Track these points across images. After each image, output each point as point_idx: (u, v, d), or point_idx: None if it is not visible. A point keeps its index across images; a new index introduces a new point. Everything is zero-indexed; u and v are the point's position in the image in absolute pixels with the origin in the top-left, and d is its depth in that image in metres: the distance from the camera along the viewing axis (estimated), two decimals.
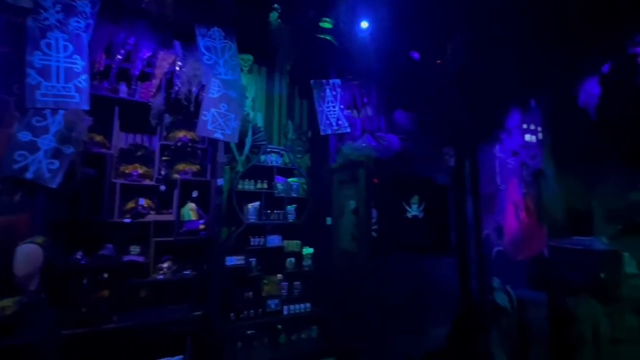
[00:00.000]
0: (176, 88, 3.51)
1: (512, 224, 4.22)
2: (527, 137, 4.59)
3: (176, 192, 3.48)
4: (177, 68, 3.55)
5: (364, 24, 3.82)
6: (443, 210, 4.08)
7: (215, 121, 3.51)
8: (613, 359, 3.40)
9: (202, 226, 3.52)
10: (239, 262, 3.80)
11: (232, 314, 3.66)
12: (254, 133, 4.23)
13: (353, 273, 3.55)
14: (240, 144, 4.17)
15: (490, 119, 4.24)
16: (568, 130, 4.59)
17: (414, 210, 4.28)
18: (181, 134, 3.61)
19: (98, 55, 3.15)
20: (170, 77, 3.54)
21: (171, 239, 3.39)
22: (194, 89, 3.56)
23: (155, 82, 3.43)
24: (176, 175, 3.50)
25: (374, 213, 4.11)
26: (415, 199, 4.28)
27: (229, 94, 3.62)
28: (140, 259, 3.24)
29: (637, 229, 4.19)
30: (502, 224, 4.13)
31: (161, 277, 3.30)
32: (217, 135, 3.51)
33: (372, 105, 4.73)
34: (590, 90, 4.02)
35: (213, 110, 3.49)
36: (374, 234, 3.99)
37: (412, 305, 3.58)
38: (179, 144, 3.57)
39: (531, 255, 4.26)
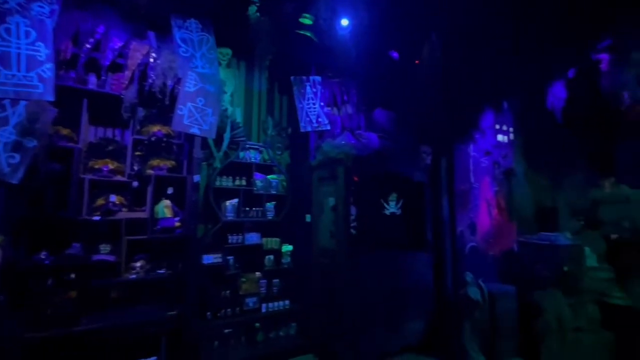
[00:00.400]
0: (150, 80, 3.38)
1: (485, 220, 4.39)
2: (500, 137, 4.78)
3: (150, 189, 3.36)
4: (152, 60, 3.42)
5: (344, 22, 3.82)
6: (420, 207, 4.17)
7: (192, 116, 3.40)
8: (575, 346, 3.61)
9: (177, 224, 3.42)
10: (216, 260, 3.72)
11: (208, 313, 3.59)
12: (232, 129, 4.15)
13: (332, 270, 3.57)
14: (218, 140, 4.09)
15: (465, 119, 4.38)
16: (537, 131, 4.82)
17: (392, 207, 4.35)
18: (155, 128, 3.49)
19: (64, 44, 2.98)
20: (143, 69, 3.40)
21: (145, 237, 3.27)
22: (169, 82, 3.44)
23: (128, 73, 3.29)
24: (150, 171, 3.38)
25: (353, 210, 4.15)
26: (393, 196, 4.35)
27: (206, 88, 3.52)
28: (111, 258, 3.11)
29: (597, 225, 4.46)
30: (476, 220, 4.28)
31: (134, 276, 3.18)
32: (194, 131, 3.40)
33: (352, 103, 4.76)
34: (557, 94, 4.24)
35: (189, 104, 3.39)
36: (353, 231, 4.03)
37: (389, 301, 3.65)
38: (153, 138, 3.45)
39: (502, 250, 4.46)
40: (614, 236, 4.34)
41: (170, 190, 3.48)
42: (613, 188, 4.49)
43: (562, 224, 4.75)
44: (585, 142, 4.81)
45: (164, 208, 3.39)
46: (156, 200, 3.38)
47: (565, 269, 3.88)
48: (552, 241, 4.02)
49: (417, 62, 4.31)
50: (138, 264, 3.24)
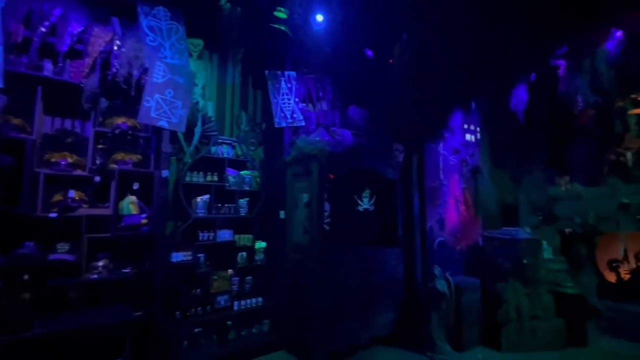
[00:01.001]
0: (114, 69, 3.19)
1: (453, 216, 4.57)
2: (468, 136, 4.99)
3: (114, 184, 3.18)
4: (115, 47, 3.23)
5: (319, 17, 3.81)
6: (392, 203, 4.27)
7: (160, 108, 3.26)
8: (531, 333, 3.87)
9: (144, 221, 3.27)
10: (186, 258, 3.60)
11: (177, 313, 3.48)
12: (204, 123, 4.02)
13: (305, 266, 3.57)
14: (189, 134, 3.94)
15: (436, 119, 4.52)
16: (501, 132, 5.09)
17: (365, 203, 4.43)
18: (120, 120, 3.30)
19: (14, 26, 2.73)
20: (106, 57, 3.20)
21: (108, 235, 3.10)
22: (135, 72, 3.27)
23: (88, 61, 3.08)
24: (114, 166, 3.20)
25: (327, 206, 4.18)
26: (366, 192, 4.43)
27: (175, 80, 3.39)
28: (70, 257, 2.92)
29: (553, 220, 4.79)
30: (444, 216, 4.45)
31: (95, 276, 3.01)
32: (162, 124, 3.27)
33: (327, 100, 4.77)
34: (520, 97, 4.48)
35: (157, 96, 3.24)
36: (326, 227, 4.06)
37: (361, 295, 3.72)
38: (117, 131, 3.27)
39: (468, 244, 4.67)
40: (567, 230, 4.70)
41: (136, 186, 3.32)
42: (567, 186, 4.85)
43: (523, 220, 5.07)
44: (544, 142, 5.15)
45: (130, 204, 3.22)
46: (121, 196, 3.21)
47: (525, 261, 4.14)
48: (513, 235, 4.27)
49: (390, 61, 4.39)
50: (100, 263, 3.07)
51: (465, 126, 4.96)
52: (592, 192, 4.51)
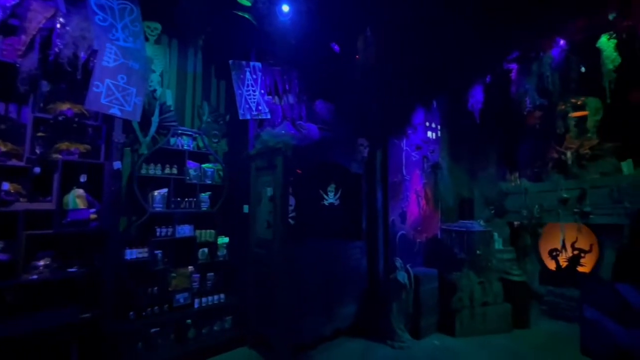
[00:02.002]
0: (56, 49, 2.88)
1: (414, 210, 4.75)
2: (429, 133, 5.19)
3: (57, 176, 2.91)
4: (59, 25, 2.92)
5: (285, 8, 3.73)
6: (356, 197, 4.34)
7: (112, 94, 3.02)
8: (482, 317, 4.15)
9: (93, 216, 3.03)
10: (141, 256, 3.41)
11: (131, 313, 3.28)
12: (162, 112, 3.80)
13: (268, 260, 3.53)
14: (146, 124, 3.71)
15: (400, 116, 4.64)
16: (460, 129, 5.36)
17: (330, 198, 4.46)
18: (64, 106, 3.02)
19: None
20: (48, 35, 2.89)
21: (50, 231, 2.84)
22: (81, 54, 2.99)
23: (25, 38, 2.76)
24: (57, 156, 2.92)
25: (292, 200, 4.15)
26: (331, 187, 4.46)
27: (129, 65, 3.15)
28: (4, 256, 2.63)
29: (504, 213, 5.16)
30: (406, 210, 4.62)
31: (35, 277, 2.74)
32: (114, 111, 3.03)
33: (293, 93, 4.70)
34: (477, 97, 4.73)
35: (108, 81, 3.00)
36: (291, 221, 4.04)
37: (325, 288, 3.75)
38: (60, 118, 2.98)
39: (428, 237, 4.89)
40: (515, 223, 5.08)
41: (83, 178, 3.06)
42: (516, 181, 5.23)
43: (477, 213, 5.39)
44: (497, 140, 5.50)
45: (76, 198, 2.97)
46: (66, 189, 2.94)
47: (478, 252, 4.42)
48: (468, 228, 4.53)
49: (357, 57, 4.42)
50: (41, 263, 2.81)
51: (427, 124, 5.15)
52: (537, 187, 4.90)
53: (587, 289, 1.99)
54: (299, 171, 4.00)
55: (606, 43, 3.87)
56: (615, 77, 3.97)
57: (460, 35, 3.51)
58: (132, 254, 3.36)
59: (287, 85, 4.63)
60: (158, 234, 3.58)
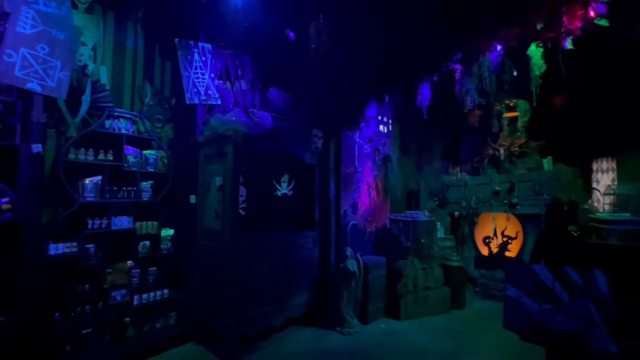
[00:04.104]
0: None
1: (365, 201, 4.91)
2: (381, 127, 5.36)
3: None
4: None
5: None
6: (310, 188, 4.35)
7: (29, 66, 2.64)
8: (424, 300, 4.44)
9: (6, 206, 2.63)
10: (69, 250, 3.05)
11: (57, 314, 2.94)
12: (95, 91, 3.40)
13: (217, 252, 3.39)
14: (75, 103, 3.30)
15: (353, 108, 4.71)
16: (409, 124, 5.62)
17: (284, 188, 4.41)
18: None
19: None
20: None
21: None
22: None
23: None
24: None
25: (243, 191, 4.02)
26: (285, 177, 4.41)
27: (52, 34, 2.77)
28: None
29: (446, 204, 5.55)
30: (357, 201, 4.74)
31: None
32: (32, 86, 2.65)
33: (246, 79, 4.52)
34: (425, 94, 4.98)
35: (24, 50, 2.60)
36: (242, 212, 3.92)
37: (276, 279, 3.72)
38: None
39: (377, 227, 5.09)
40: (456, 213, 5.51)
41: None
42: (457, 175, 5.66)
43: (423, 204, 5.75)
44: (442, 136, 5.88)
45: None
46: None
47: (422, 240, 4.72)
48: (414, 218, 4.81)
49: (313, 46, 4.37)
50: None
51: (379, 117, 5.32)
52: (475, 180, 5.35)
53: (510, 270, 2.23)
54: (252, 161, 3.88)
55: (534, 51, 4.30)
56: (541, 82, 4.44)
57: (410, 32, 3.64)
58: (58, 248, 3.00)
59: (239, 71, 4.44)
60: (90, 226, 3.24)
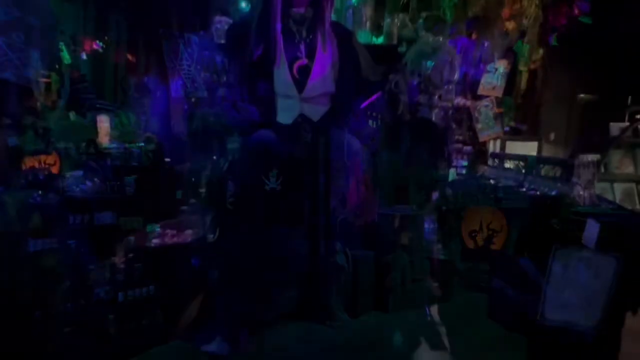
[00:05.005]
0: None
1: (354, 195, 4.91)
2: (370, 122, 5.38)
3: None
4: None
5: None
6: (299, 183, 4.31)
7: (3, 55, 2.53)
8: (411, 293, 4.52)
9: None
10: (48, 247, 2.96)
11: (37, 313, 2.85)
12: (74, 82, 3.29)
13: (204, 248, 3.35)
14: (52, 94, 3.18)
15: (344, 102, 4.67)
16: (398, 118, 5.64)
17: (272, 183, 4.36)
18: None
19: None
20: None
21: None
22: None
23: None
24: None
25: (231, 186, 3.97)
26: (274, 172, 4.36)
27: (27, 20, 2.65)
28: None
29: (433, 198, 5.62)
30: (346, 195, 4.75)
31: None
32: (7, 75, 2.55)
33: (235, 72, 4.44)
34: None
35: None
36: (229, 206, 3.86)
37: (265, 274, 3.69)
38: None
39: (366, 221, 5.12)
40: (444, 207, 5.59)
41: None
42: (446, 170, 5.74)
43: (411, 198, 5.80)
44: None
45: None
46: None
47: (410, 234, 4.77)
48: (403, 212, 4.87)
49: None
50: None
51: (369, 112, 5.31)
52: (462, 175, 5.43)
53: (495, 262, 2.28)
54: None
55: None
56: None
57: None
58: (35, 245, 2.90)
59: (227, 63, 4.35)
60: (72, 221, 3.15)
